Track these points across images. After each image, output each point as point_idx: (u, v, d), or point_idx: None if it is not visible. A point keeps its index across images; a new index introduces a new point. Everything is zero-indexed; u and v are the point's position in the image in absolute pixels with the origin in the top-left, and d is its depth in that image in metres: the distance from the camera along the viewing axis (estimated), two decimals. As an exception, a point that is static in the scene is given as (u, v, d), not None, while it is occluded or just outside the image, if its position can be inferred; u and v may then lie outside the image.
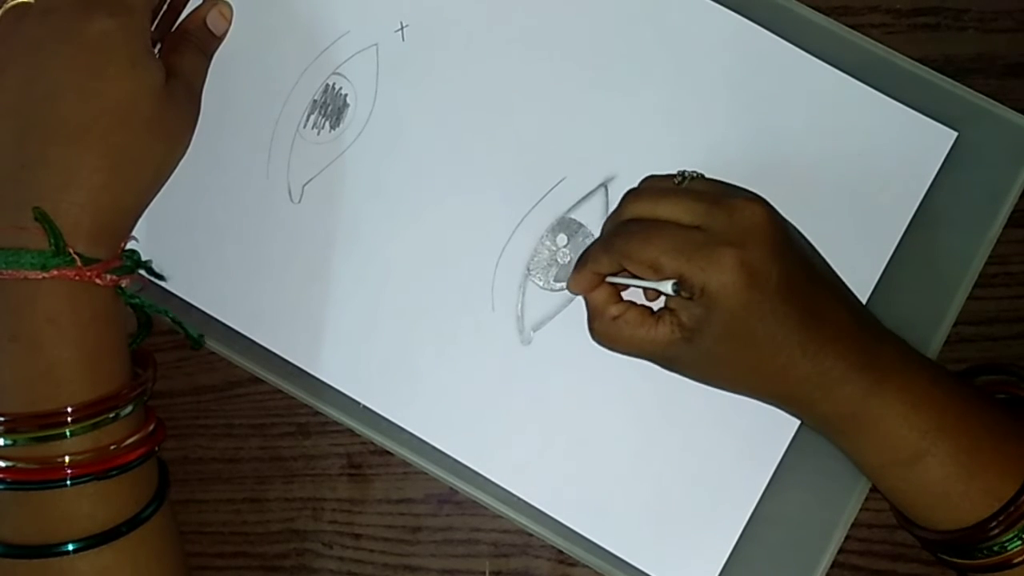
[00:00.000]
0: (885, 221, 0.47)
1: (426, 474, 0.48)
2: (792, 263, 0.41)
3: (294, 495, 0.49)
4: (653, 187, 0.45)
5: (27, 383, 0.39)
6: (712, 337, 0.41)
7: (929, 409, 0.41)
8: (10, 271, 0.39)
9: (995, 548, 0.40)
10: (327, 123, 0.49)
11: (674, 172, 0.45)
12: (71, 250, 0.39)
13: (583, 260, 0.45)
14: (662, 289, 0.41)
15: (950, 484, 0.41)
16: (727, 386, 0.44)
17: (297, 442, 0.49)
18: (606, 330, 0.44)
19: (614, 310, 0.44)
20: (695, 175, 0.44)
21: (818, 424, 0.43)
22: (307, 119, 0.49)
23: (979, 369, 0.47)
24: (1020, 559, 0.40)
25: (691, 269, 0.40)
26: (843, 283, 0.44)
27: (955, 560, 0.43)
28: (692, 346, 0.41)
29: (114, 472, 0.40)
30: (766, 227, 0.41)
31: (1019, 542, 0.40)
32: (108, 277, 0.41)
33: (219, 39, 0.49)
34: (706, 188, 0.44)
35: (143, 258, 0.44)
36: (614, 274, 0.44)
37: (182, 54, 0.46)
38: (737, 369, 0.42)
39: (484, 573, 0.48)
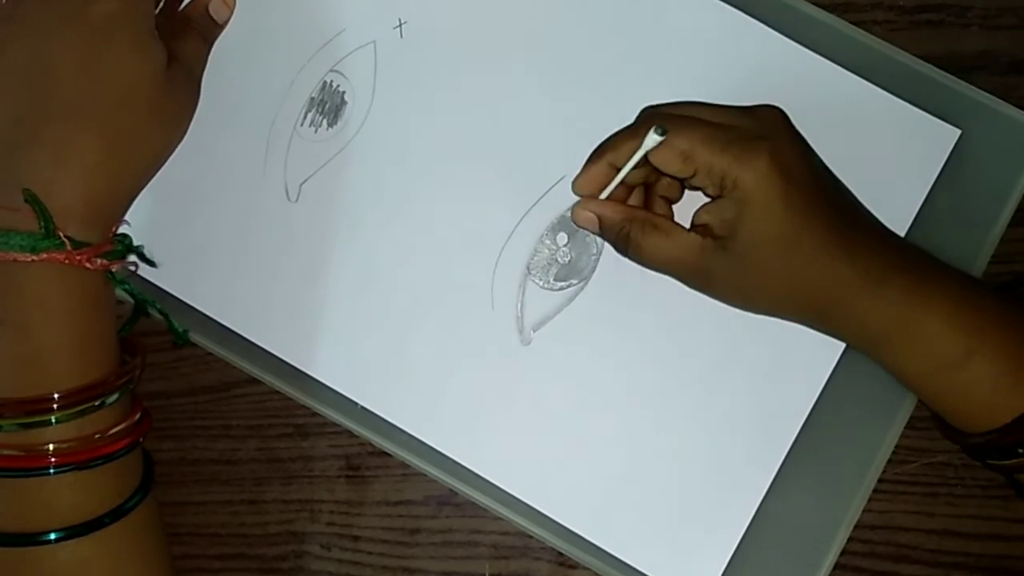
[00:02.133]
0: (888, 219, 0.47)
1: (425, 475, 0.47)
2: (819, 165, 0.41)
3: (292, 497, 0.49)
4: (673, 103, 0.44)
5: (13, 367, 0.39)
6: (746, 242, 0.40)
7: (971, 308, 0.40)
8: None
9: None
10: (325, 121, 0.49)
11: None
12: (61, 233, 0.39)
13: (598, 153, 0.43)
14: (647, 145, 0.40)
15: (1000, 380, 0.40)
16: (762, 302, 0.42)
17: (295, 443, 0.49)
18: (633, 243, 0.43)
19: (640, 215, 0.42)
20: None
21: (861, 337, 0.42)
22: (305, 117, 0.49)
23: (1016, 281, 0.47)
24: None
25: (725, 159, 0.39)
26: (856, 198, 0.44)
27: (1004, 462, 0.42)
28: (725, 254, 0.40)
29: (98, 461, 0.40)
30: (791, 129, 0.41)
31: None
32: (98, 261, 0.40)
33: (220, 27, 0.49)
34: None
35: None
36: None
37: (183, 40, 0.46)
38: (776, 276, 0.41)
39: (484, 575, 0.48)
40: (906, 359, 0.42)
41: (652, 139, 0.40)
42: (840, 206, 0.41)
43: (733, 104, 0.43)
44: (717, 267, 0.41)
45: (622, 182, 0.43)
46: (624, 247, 0.43)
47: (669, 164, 0.41)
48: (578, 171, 0.44)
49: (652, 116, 0.43)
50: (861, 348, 0.43)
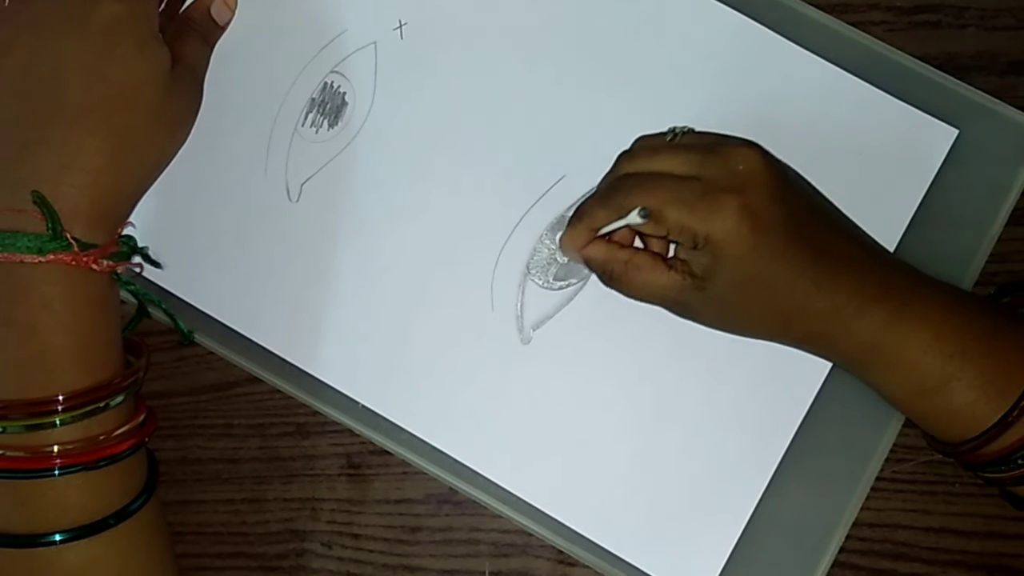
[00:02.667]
0: (886, 219, 0.47)
1: (425, 474, 0.48)
2: (794, 202, 0.41)
3: (293, 495, 0.49)
4: (646, 145, 0.45)
5: (19, 369, 0.39)
6: (723, 284, 0.41)
7: (951, 333, 0.40)
8: (5, 254, 0.39)
9: None
10: (325, 121, 0.49)
11: (664, 130, 0.45)
12: (68, 235, 0.39)
13: (578, 216, 0.44)
14: (629, 220, 0.41)
15: (979, 406, 0.40)
16: (745, 331, 0.43)
17: (296, 442, 0.49)
18: (618, 279, 0.44)
19: (623, 255, 0.43)
20: (686, 130, 0.44)
21: (841, 360, 0.43)
22: (305, 117, 0.49)
23: (1004, 290, 0.47)
24: None
25: (693, 219, 0.40)
26: (846, 217, 0.44)
27: (998, 475, 0.42)
28: (704, 293, 0.41)
29: (103, 463, 0.40)
30: (763, 170, 0.41)
31: None
32: (104, 263, 0.40)
33: (222, 28, 0.49)
34: (699, 140, 0.44)
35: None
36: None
37: (185, 41, 0.46)
38: (753, 313, 0.42)
39: (484, 573, 0.48)
40: (885, 383, 0.42)
41: (635, 219, 0.41)
42: (818, 239, 0.41)
43: (713, 132, 0.44)
44: (697, 303, 0.43)
45: None
46: (608, 282, 0.44)
47: (643, 227, 0.42)
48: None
49: (626, 180, 0.43)
50: (844, 369, 0.44)
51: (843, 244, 0.42)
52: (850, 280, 0.41)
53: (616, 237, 0.44)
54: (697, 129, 0.45)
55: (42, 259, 0.39)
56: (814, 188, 0.44)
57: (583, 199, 0.47)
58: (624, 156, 0.45)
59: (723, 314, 0.43)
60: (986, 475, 0.43)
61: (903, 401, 0.43)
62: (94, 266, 0.40)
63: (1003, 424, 0.40)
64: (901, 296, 0.41)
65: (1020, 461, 0.41)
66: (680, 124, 0.45)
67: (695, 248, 0.41)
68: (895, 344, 0.41)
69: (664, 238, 0.43)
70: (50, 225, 0.39)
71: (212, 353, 0.49)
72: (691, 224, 0.40)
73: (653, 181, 0.42)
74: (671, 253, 0.44)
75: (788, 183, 0.42)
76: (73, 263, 0.39)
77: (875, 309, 0.41)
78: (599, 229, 0.43)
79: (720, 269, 0.40)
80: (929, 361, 0.40)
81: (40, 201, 0.39)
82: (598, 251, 0.44)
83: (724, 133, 0.44)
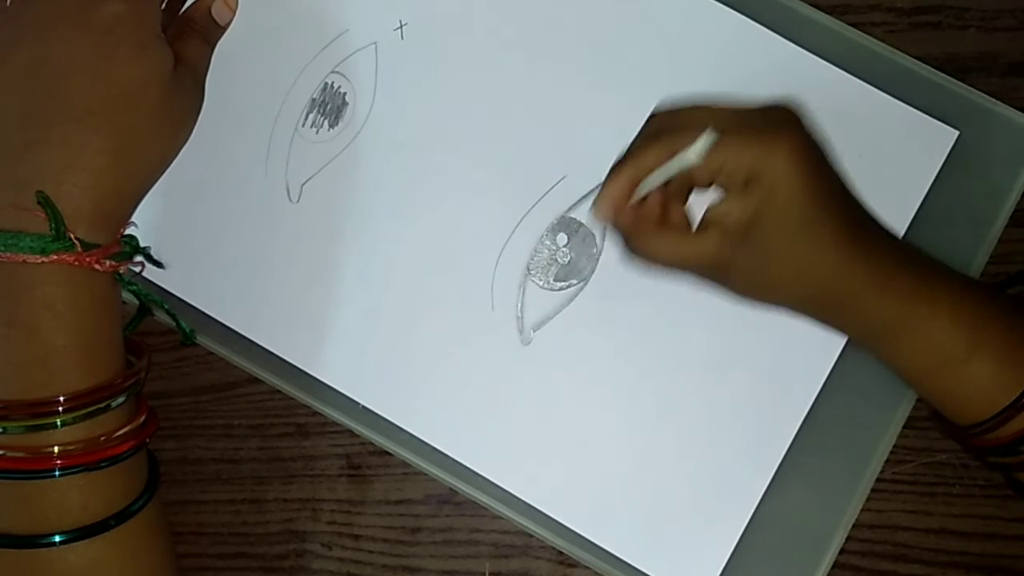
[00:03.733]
0: (887, 219, 0.47)
1: (426, 475, 0.48)
2: (832, 161, 0.41)
3: (293, 496, 0.49)
4: (680, 101, 0.42)
5: (21, 369, 0.39)
6: (770, 230, 0.39)
7: (973, 306, 0.41)
8: (8, 254, 0.38)
9: None
10: (326, 122, 0.49)
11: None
12: (71, 235, 0.39)
13: (620, 164, 0.41)
14: (695, 150, 0.38)
15: (1002, 374, 0.40)
16: (774, 295, 0.42)
17: (296, 443, 0.49)
18: (647, 246, 0.41)
19: (653, 216, 0.41)
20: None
21: (864, 331, 0.42)
22: (306, 118, 0.49)
23: (1010, 281, 0.47)
24: None
25: (752, 149, 0.39)
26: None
27: (1004, 459, 0.42)
28: (747, 244, 0.40)
29: (104, 464, 0.40)
30: (808, 124, 0.40)
31: None
32: (107, 263, 0.40)
33: (223, 29, 0.49)
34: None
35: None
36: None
37: (186, 42, 0.46)
38: (793, 268, 0.40)
39: (484, 574, 0.48)
40: (909, 355, 0.42)
41: (701, 146, 0.38)
42: (852, 203, 0.42)
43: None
44: (735, 260, 0.41)
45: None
46: (637, 250, 0.42)
47: (697, 167, 0.39)
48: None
49: (672, 116, 0.41)
50: (864, 343, 0.43)
51: (869, 214, 0.42)
52: (883, 244, 0.41)
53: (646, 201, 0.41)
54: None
55: (45, 259, 0.38)
56: None
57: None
58: (656, 113, 0.42)
59: (759, 273, 0.41)
60: (994, 459, 0.43)
61: (926, 373, 0.42)
62: (97, 266, 0.40)
63: (1018, 405, 0.40)
64: (926, 269, 0.42)
65: None
66: None
67: (746, 187, 0.39)
68: (922, 312, 0.41)
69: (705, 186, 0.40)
70: (53, 225, 0.39)
71: (212, 353, 0.49)
72: (749, 156, 0.38)
73: (708, 112, 0.40)
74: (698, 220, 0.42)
75: (826, 145, 0.41)
76: (76, 263, 0.39)
77: (902, 277, 0.41)
78: (644, 178, 0.40)
79: (770, 212, 0.39)
80: (955, 331, 0.40)
81: (44, 201, 0.39)
82: (627, 215, 0.41)
83: None
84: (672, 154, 0.39)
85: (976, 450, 0.44)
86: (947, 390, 0.42)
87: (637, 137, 0.42)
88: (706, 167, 0.39)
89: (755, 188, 0.39)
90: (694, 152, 0.38)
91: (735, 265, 0.41)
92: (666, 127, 0.41)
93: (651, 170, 0.40)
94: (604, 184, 0.41)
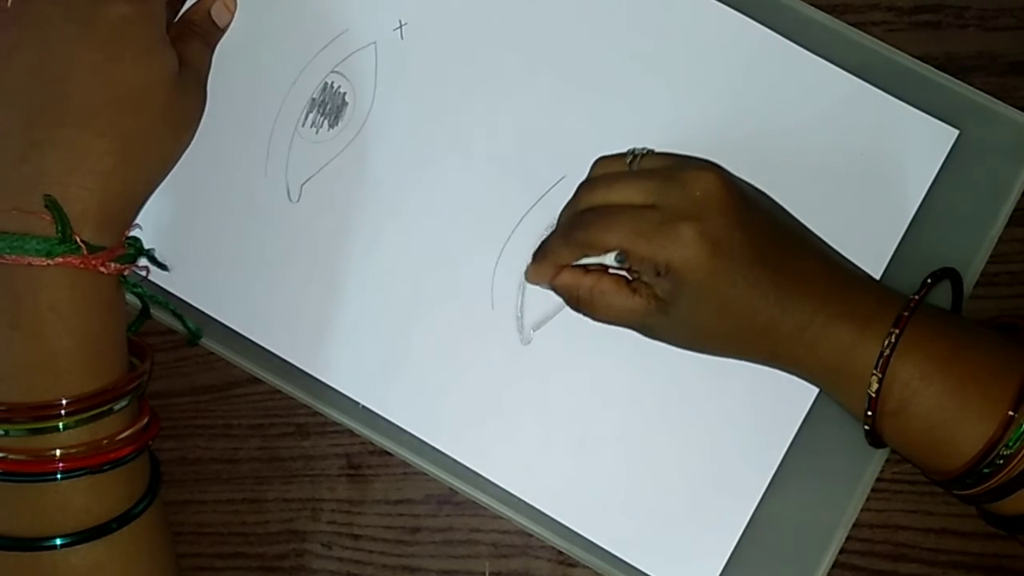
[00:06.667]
0: (886, 219, 0.47)
1: (425, 475, 0.48)
2: (754, 225, 0.41)
3: (293, 496, 0.49)
4: (605, 174, 0.45)
5: (25, 371, 0.39)
6: (686, 308, 0.41)
7: (912, 356, 0.40)
8: (13, 256, 0.38)
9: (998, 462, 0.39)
10: (326, 122, 0.49)
11: (624, 151, 0.45)
12: (77, 238, 0.39)
13: (542, 253, 0.45)
14: (606, 262, 0.42)
15: (936, 431, 0.40)
16: (712, 352, 0.44)
17: (296, 442, 0.49)
18: (586, 302, 0.44)
19: (588, 281, 0.44)
20: (645, 151, 0.45)
21: (808, 378, 0.44)
22: (306, 118, 0.49)
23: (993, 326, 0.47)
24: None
25: (652, 249, 0.41)
26: (811, 233, 0.44)
27: (968, 491, 0.42)
28: (669, 317, 0.42)
29: (107, 467, 0.40)
30: (721, 195, 0.41)
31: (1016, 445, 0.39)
32: (112, 266, 0.40)
33: (222, 31, 0.49)
34: (657, 164, 0.44)
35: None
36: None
37: (188, 44, 0.46)
38: (718, 336, 0.43)
39: (484, 574, 0.48)
40: (849, 403, 0.43)
41: (611, 261, 0.42)
42: (781, 260, 0.42)
43: (677, 153, 0.45)
44: (663, 327, 0.43)
45: None
46: (576, 308, 0.45)
47: (605, 260, 0.43)
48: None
49: (586, 215, 0.44)
50: (815, 386, 0.45)
51: (806, 264, 0.42)
52: (813, 301, 0.41)
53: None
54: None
55: (50, 262, 0.39)
56: (778, 206, 0.44)
57: (551, 229, 0.47)
58: (583, 187, 0.45)
59: (689, 336, 0.44)
60: (961, 494, 0.42)
61: (867, 419, 0.42)
62: (102, 269, 0.40)
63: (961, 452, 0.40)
64: (865, 316, 0.41)
65: (986, 470, 0.40)
66: (640, 145, 0.45)
67: (658, 275, 0.41)
68: (858, 365, 0.41)
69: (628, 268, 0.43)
70: (59, 228, 0.39)
71: (212, 353, 0.49)
72: (651, 254, 0.41)
73: (611, 216, 0.42)
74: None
75: (748, 206, 0.42)
76: (81, 266, 0.39)
77: (839, 330, 0.41)
78: (564, 265, 0.44)
79: (682, 294, 0.41)
80: (888, 384, 0.40)
81: (52, 204, 0.39)
82: (564, 278, 0.44)
83: (683, 155, 0.45)
84: (582, 252, 0.43)
85: (945, 486, 0.43)
86: (889, 437, 0.42)
87: (564, 210, 0.46)
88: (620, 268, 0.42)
89: (668, 275, 0.41)
90: (608, 260, 0.43)
91: (665, 330, 0.43)
92: (580, 222, 0.44)
93: (567, 262, 0.44)
94: (530, 266, 0.46)
